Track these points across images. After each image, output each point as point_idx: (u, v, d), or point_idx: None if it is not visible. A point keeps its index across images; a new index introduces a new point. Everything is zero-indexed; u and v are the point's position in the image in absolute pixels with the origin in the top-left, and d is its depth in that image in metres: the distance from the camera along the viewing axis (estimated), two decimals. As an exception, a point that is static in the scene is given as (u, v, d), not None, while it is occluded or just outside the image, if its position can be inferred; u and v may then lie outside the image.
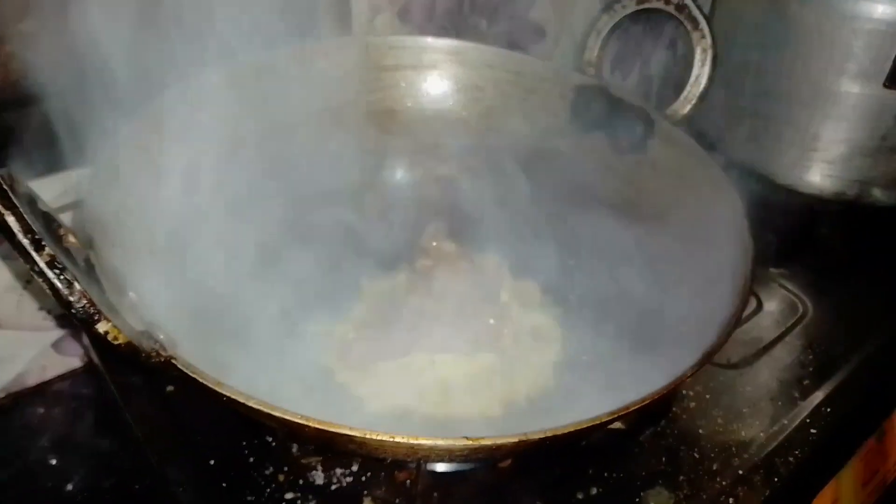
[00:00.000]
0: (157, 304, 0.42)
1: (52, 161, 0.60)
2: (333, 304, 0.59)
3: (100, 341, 0.32)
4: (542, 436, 0.34)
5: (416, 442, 0.34)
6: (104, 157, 0.45)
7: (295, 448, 0.49)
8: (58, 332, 0.65)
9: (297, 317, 0.56)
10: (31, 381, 0.66)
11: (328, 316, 0.57)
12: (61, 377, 0.66)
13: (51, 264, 0.30)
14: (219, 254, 0.51)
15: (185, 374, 0.34)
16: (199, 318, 0.47)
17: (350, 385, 0.53)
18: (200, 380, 0.34)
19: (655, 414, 0.53)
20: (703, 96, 0.57)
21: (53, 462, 0.61)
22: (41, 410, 0.64)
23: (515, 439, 0.34)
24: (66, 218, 0.41)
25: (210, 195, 0.53)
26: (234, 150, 0.56)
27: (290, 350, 0.54)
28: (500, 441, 0.34)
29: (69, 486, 0.60)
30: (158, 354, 0.34)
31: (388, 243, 0.62)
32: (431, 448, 0.35)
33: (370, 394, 0.52)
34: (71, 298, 0.30)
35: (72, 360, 0.67)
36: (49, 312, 0.64)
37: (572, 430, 0.35)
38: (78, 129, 0.60)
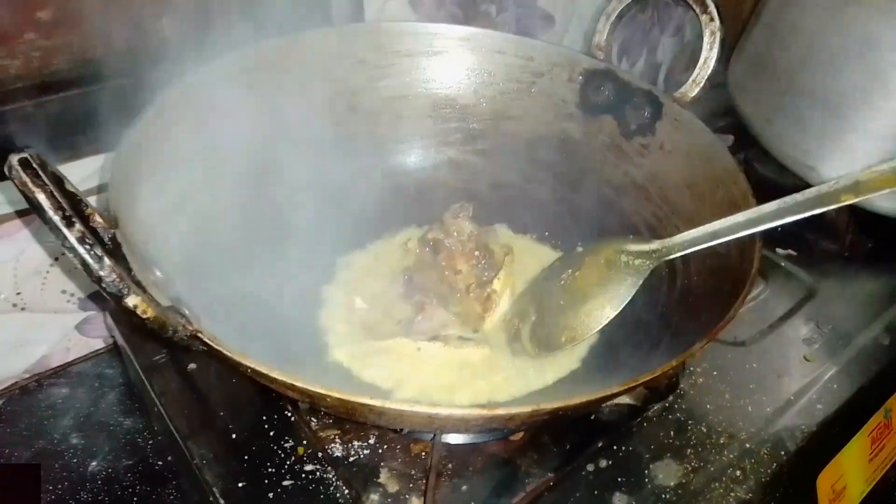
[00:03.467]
0: (178, 281, 0.44)
1: (74, 147, 0.62)
2: (337, 278, 0.61)
3: (128, 315, 0.33)
4: (555, 406, 0.35)
5: (433, 411, 0.35)
6: (126, 141, 0.46)
7: (314, 422, 0.51)
8: (81, 315, 0.67)
9: (305, 283, 0.58)
10: (55, 362, 0.67)
11: (333, 287, 0.60)
12: (84, 358, 0.68)
13: (81, 240, 0.31)
14: (237, 232, 0.53)
15: (210, 346, 0.36)
16: (216, 295, 0.49)
17: (344, 363, 0.54)
18: (225, 352, 0.35)
19: (664, 390, 0.55)
20: (711, 78, 0.58)
21: (77, 441, 0.63)
22: (65, 391, 0.66)
23: (529, 409, 0.35)
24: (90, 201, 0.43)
25: (230, 178, 0.54)
26: (251, 133, 0.57)
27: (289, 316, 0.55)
28: (514, 411, 0.35)
29: (92, 465, 0.62)
30: (185, 328, 0.36)
31: (399, 223, 0.64)
32: (448, 418, 0.36)
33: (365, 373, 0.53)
34: (101, 273, 0.32)
35: (95, 341, 0.69)
36: (72, 295, 0.66)
37: (584, 400, 0.36)
38: (99, 115, 0.62)
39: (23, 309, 0.63)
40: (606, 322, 0.49)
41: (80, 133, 0.63)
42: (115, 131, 0.61)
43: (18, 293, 0.62)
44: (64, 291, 0.65)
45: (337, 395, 0.34)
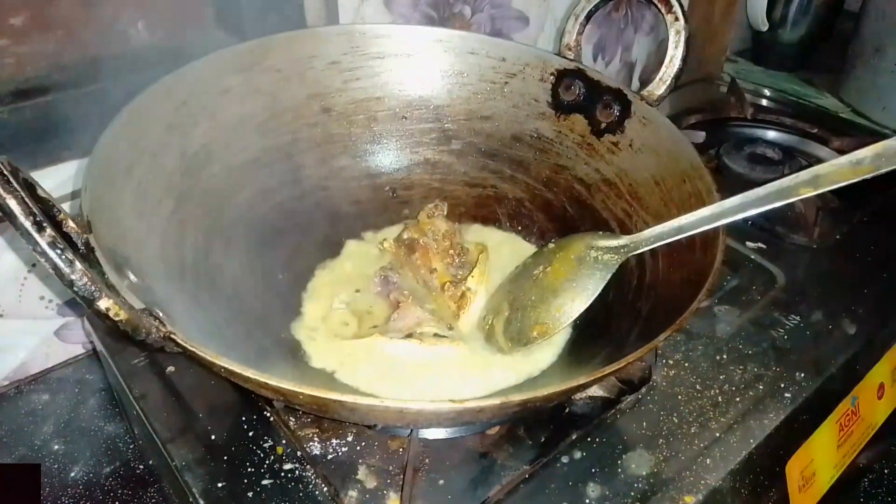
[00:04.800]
0: (154, 285, 0.45)
1: (48, 153, 0.62)
2: (313, 279, 0.61)
3: (101, 318, 0.33)
4: (523, 397, 0.36)
5: (404, 406, 0.36)
6: (100, 146, 0.46)
7: (292, 421, 0.51)
8: (60, 321, 0.67)
9: (281, 284, 0.59)
10: (35, 368, 0.67)
11: (309, 288, 0.60)
12: (64, 364, 0.68)
13: (52, 245, 0.32)
14: (215, 235, 0.53)
15: (185, 348, 0.36)
16: (194, 297, 0.50)
17: (320, 363, 0.54)
18: (199, 353, 0.36)
19: (637, 383, 0.56)
20: (678, 77, 0.59)
21: (58, 447, 0.63)
22: (45, 397, 0.66)
23: (498, 401, 0.36)
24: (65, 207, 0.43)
25: (204, 179, 0.54)
26: (225, 136, 0.57)
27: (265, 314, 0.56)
28: (483, 403, 0.36)
29: (74, 470, 0.62)
30: (158, 330, 0.36)
31: (374, 223, 0.65)
32: (419, 412, 0.37)
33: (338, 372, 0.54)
34: (73, 277, 0.32)
35: (74, 347, 0.69)
36: (51, 301, 0.66)
37: (552, 392, 0.37)
38: (73, 121, 0.62)
39: (0, 316, 0.63)
40: (577, 315, 0.50)
41: (53, 139, 0.64)
42: (89, 137, 0.61)
43: (-5, 300, 0.62)
44: (42, 298, 0.65)
45: (308, 391, 0.35)
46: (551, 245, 0.56)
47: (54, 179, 0.60)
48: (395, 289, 0.57)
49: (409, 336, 0.54)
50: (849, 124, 0.99)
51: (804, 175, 0.44)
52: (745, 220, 0.46)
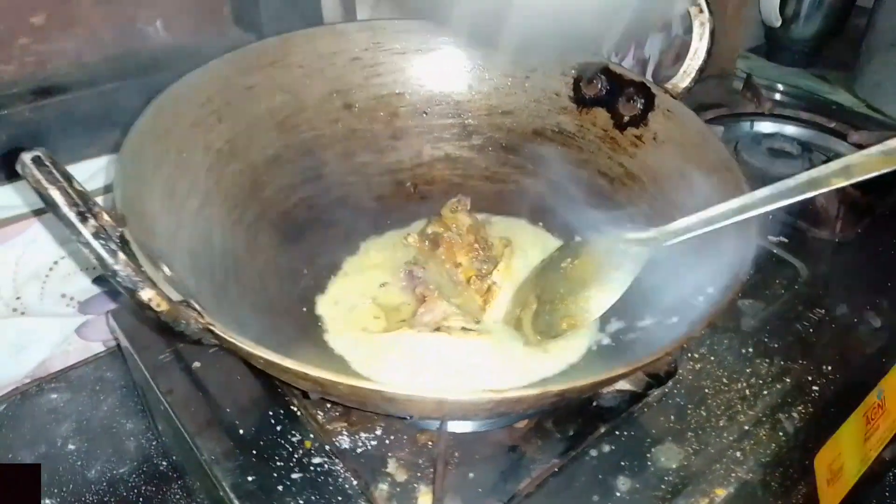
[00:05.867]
0: (185, 278, 0.44)
1: (67, 151, 0.62)
2: (338, 276, 0.61)
3: (143, 309, 0.33)
4: (562, 388, 0.36)
5: (443, 397, 0.36)
6: (129, 142, 0.46)
7: (321, 415, 0.51)
8: (80, 318, 0.67)
9: (306, 281, 0.59)
10: (56, 366, 0.67)
11: (334, 284, 0.60)
12: (85, 362, 0.68)
13: (96, 235, 0.32)
14: (240, 230, 0.53)
15: (223, 338, 0.36)
16: (222, 290, 0.50)
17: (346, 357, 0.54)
18: (239, 344, 0.35)
19: (664, 376, 0.56)
20: (703, 69, 0.59)
21: (80, 444, 0.63)
22: (66, 395, 0.66)
23: (537, 391, 0.36)
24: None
25: (228, 176, 0.54)
26: (248, 133, 0.57)
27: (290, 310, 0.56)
28: (522, 394, 0.36)
29: (96, 467, 0.62)
30: (196, 321, 0.36)
31: (397, 219, 0.65)
32: (456, 403, 0.37)
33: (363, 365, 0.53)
34: (116, 267, 0.32)
35: (95, 344, 0.69)
36: (72, 299, 0.66)
37: (590, 382, 0.37)
38: (95, 119, 0.62)
39: (22, 313, 0.63)
40: (607, 308, 0.50)
41: (74, 137, 0.64)
42: (109, 135, 0.61)
43: (18, 297, 0.62)
44: (63, 295, 0.65)
45: (349, 382, 0.34)
46: (578, 238, 0.56)
47: (79, 176, 0.60)
48: (421, 283, 0.57)
49: (437, 330, 0.54)
50: (865, 119, 0.99)
51: (835, 165, 0.44)
52: (768, 213, 0.46)
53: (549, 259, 0.57)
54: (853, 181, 0.43)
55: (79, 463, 0.62)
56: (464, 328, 0.54)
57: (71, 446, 0.64)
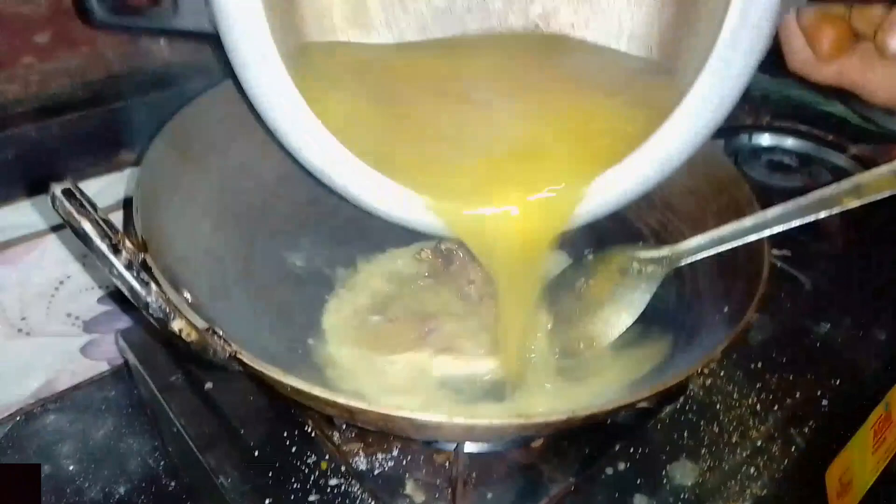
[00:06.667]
0: (205, 302, 0.44)
1: (73, 171, 0.62)
2: (348, 292, 0.61)
3: (174, 339, 0.33)
4: (589, 411, 0.36)
5: (471, 422, 0.36)
6: (146, 165, 0.46)
7: (336, 436, 0.51)
8: (85, 338, 0.67)
9: (315, 296, 0.59)
10: (61, 386, 0.67)
11: (344, 301, 0.60)
12: (90, 381, 0.68)
13: (129, 267, 0.32)
14: (254, 250, 0.53)
15: (249, 367, 0.36)
16: (238, 312, 0.50)
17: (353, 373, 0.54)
18: (267, 372, 0.35)
19: (675, 392, 0.56)
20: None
21: (86, 465, 0.63)
22: (72, 415, 0.66)
23: (565, 416, 0.36)
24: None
25: (242, 196, 0.54)
26: (260, 151, 0.57)
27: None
28: (551, 418, 0.36)
29: (103, 488, 0.61)
30: (223, 349, 0.36)
31: (409, 235, 0.65)
32: (485, 428, 0.37)
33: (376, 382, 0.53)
34: (148, 299, 0.32)
35: (100, 364, 0.68)
36: (77, 318, 0.65)
37: (617, 406, 0.37)
38: (101, 138, 0.62)
39: (27, 334, 0.63)
40: (624, 329, 0.50)
41: (80, 155, 0.63)
42: (116, 153, 0.61)
43: (24, 318, 0.62)
44: (69, 314, 0.65)
45: (379, 410, 0.35)
46: (590, 257, 0.56)
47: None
48: (432, 301, 0.57)
49: (446, 350, 0.54)
50: (862, 131, 1.00)
51: (846, 185, 0.44)
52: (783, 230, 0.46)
53: (561, 276, 0.57)
54: (865, 200, 0.44)
55: (86, 484, 0.61)
56: (474, 348, 0.54)
57: (78, 466, 0.63)
